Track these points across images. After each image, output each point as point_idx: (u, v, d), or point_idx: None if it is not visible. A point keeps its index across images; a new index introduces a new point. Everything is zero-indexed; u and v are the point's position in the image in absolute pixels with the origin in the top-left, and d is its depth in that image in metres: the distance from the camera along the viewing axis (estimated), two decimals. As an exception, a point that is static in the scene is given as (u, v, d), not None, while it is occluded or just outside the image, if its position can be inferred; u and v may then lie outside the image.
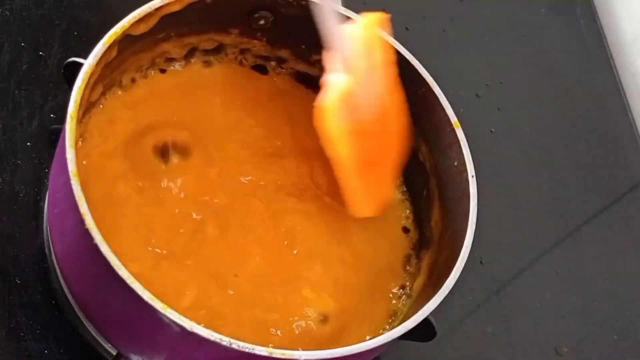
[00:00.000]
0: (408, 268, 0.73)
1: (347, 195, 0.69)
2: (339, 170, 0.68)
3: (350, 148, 0.67)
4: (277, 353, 0.55)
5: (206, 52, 0.75)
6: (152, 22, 0.66)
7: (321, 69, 0.76)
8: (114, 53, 0.64)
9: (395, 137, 0.70)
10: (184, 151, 0.70)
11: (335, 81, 0.66)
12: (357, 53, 0.66)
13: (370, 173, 0.69)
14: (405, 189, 0.76)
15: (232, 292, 0.66)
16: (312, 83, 0.78)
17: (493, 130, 0.94)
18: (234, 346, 0.54)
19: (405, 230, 0.74)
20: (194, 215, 0.68)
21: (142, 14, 0.64)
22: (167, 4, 0.65)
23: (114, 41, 0.63)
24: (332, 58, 0.66)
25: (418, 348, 0.73)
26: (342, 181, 0.69)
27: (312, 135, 0.68)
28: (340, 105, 0.65)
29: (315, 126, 0.66)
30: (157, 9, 0.65)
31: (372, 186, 0.69)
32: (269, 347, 0.55)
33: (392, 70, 0.68)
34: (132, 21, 0.63)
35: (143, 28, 0.66)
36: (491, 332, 0.82)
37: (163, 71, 0.73)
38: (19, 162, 0.73)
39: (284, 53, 0.76)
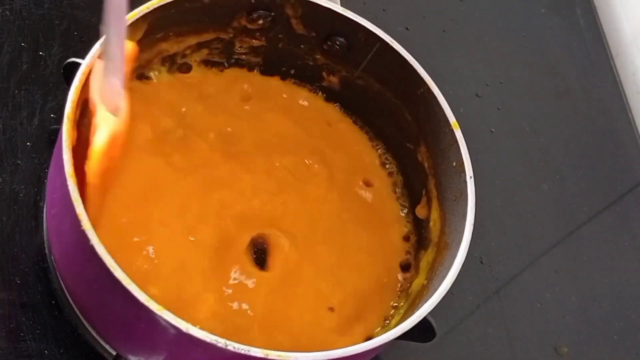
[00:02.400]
0: (407, 268, 0.73)
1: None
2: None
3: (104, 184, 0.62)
4: (272, 354, 0.55)
5: (208, 52, 0.75)
6: (143, 27, 0.66)
7: (321, 70, 0.77)
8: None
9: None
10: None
11: (105, 122, 0.60)
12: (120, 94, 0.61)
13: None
14: (404, 189, 0.76)
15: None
16: (312, 83, 0.78)
17: (493, 130, 0.93)
18: (229, 347, 0.54)
19: (404, 230, 0.75)
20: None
21: (132, 19, 0.64)
22: (152, 11, 0.65)
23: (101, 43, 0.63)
24: (106, 91, 0.61)
25: (418, 348, 0.73)
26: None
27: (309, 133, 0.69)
28: (107, 146, 0.60)
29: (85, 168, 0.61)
30: (143, 16, 0.65)
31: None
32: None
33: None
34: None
35: (140, 29, 0.66)
36: (491, 332, 0.82)
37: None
38: (19, 162, 0.73)
39: (283, 53, 0.77)
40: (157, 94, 0.73)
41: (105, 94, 0.60)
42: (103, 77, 0.60)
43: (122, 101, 0.60)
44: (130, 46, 0.62)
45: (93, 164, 0.59)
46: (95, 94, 0.60)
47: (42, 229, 0.71)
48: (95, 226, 0.56)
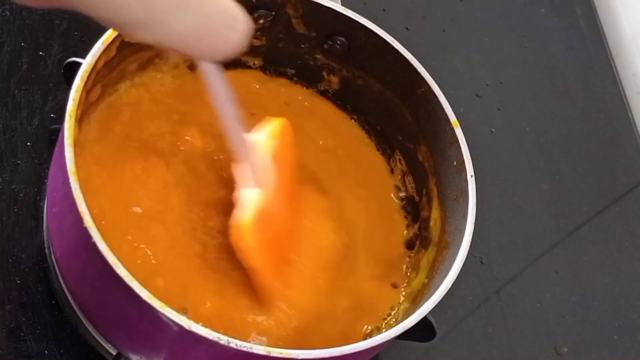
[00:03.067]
0: (407, 268, 0.73)
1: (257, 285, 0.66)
2: (252, 274, 0.65)
3: (265, 256, 0.65)
4: (275, 352, 0.55)
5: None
6: None
7: (322, 69, 0.77)
8: (113, 52, 0.64)
9: (294, 226, 0.69)
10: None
11: (249, 197, 0.63)
12: (265, 164, 0.64)
13: (272, 256, 0.67)
14: (404, 188, 0.76)
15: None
16: (312, 83, 0.78)
17: (493, 130, 0.94)
18: (231, 345, 0.54)
19: (405, 230, 0.75)
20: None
21: None
22: None
23: (112, 40, 0.63)
24: (241, 171, 0.64)
25: (418, 348, 0.73)
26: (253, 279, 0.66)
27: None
28: (255, 221, 0.62)
29: (232, 243, 0.63)
30: None
31: (273, 267, 0.67)
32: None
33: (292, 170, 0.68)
34: None
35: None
36: (491, 332, 0.82)
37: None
38: (19, 162, 0.73)
39: (283, 53, 0.77)
40: (159, 94, 0.73)
41: (243, 173, 0.63)
42: (237, 159, 0.63)
43: (266, 176, 0.63)
44: (278, 123, 0.66)
45: (245, 240, 0.62)
46: (235, 172, 0.64)
47: (42, 228, 0.71)
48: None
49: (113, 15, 0.42)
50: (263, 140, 0.65)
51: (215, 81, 0.56)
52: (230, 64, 0.76)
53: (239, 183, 0.64)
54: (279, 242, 0.66)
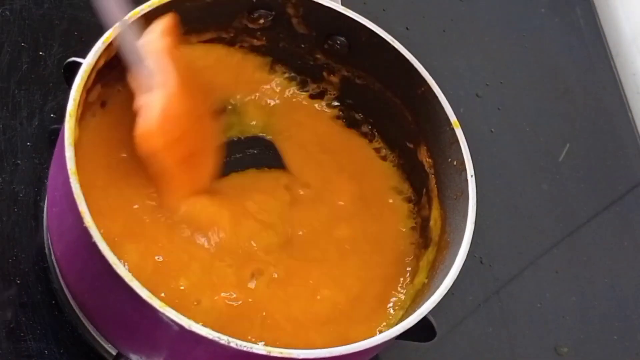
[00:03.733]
0: (407, 268, 0.73)
1: (162, 187, 0.67)
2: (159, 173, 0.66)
3: (173, 156, 0.65)
4: (275, 352, 0.55)
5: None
6: (144, 26, 0.66)
7: (322, 69, 0.77)
8: (113, 52, 0.64)
9: (205, 119, 0.69)
10: None
11: (148, 102, 0.63)
12: (160, 65, 0.64)
13: (189, 164, 0.67)
14: (404, 188, 0.76)
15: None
16: (313, 82, 0.78)
17: (493, 130, 0.94)
18: (232, 344, 0.54)
19: (405, 229, 0.75)
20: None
21: (133, 17, 0.64)
22: (153, 10, 0.65)
23: (112, 40, 0.63)
24: (138, 78, 0.64)
25: (418, 348, 0.73)
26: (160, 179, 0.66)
27: None
28: (160, 124, 0.63)
29: (139, 153, 0.64)
30: (144, 14, 0.65)
31: (189, 175, 0.67)
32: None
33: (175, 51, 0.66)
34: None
35: (141, 28, 0.66)
36: (491, 332, 0.82)
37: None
38: (19, 162, 0.73)
39: (283, 53, 0.77)
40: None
41: (140, 80, 0.63)
42: (131, 68, 0.63)
43: (164, 76, 0.63)
44: (165, 20, 0.65)
45: (151, 142, 0.62)
46: (131, 82, 0.63)
47: (42, 228, 0.71)
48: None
49: None
50: (154, 41, 0.64)
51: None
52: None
53: (137, 91, 0.64)
54: (189, 141, 0.66)
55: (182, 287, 0.64)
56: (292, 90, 0.77)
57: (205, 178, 0.69)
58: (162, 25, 0.65)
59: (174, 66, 0.64)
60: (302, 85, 0.78)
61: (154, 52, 0.64)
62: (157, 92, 0.63)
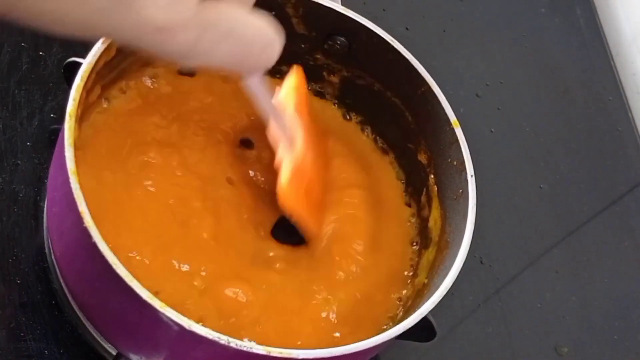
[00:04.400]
0: (407, 267, 0.73)
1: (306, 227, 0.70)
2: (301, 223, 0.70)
3: (306, 204, 0.69)
4: (275, 352, 0.55)
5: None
6: None
7: (322, 69, 0.77)
8: (113, 52, 0.64)
9: (324, 163, 0.73)
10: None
11: (286, 158, 0.67)
12: (293, 122, 0.67)
13: (311, 201, 0.70)
14: (404, 188, 0.76)
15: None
16: (313, 82, 0.78)
17: (493, 130, 0.94)
18: (232, 344, 0.54)
19: (404, 229, 0.75)
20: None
21: None
22: None
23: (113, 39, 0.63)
24: (275, 134, 0.67)
25: (418, 348, 0.73)
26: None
27: None
28: (294, 179, 0.67)
29: (280, 205, 0.67)
30: None
31: (314, 211, 0.71)
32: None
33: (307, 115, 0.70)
34: None
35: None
36: (491, 332, 0.82)
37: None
38: (19, 162, 0.73)
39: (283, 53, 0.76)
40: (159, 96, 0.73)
41: (276, 135, 0.67)
42: (270, 122, 0.66)
43: (294, 133, 0.67)
44: (295, 76, 0.69)
45: (287, 197, 0.66)
46: (270, 136, 0.67)
47: (42, 228, 0.71)
48: None
49: (159, 51, 0.45)
50: (285, 97, 0.68)
51: (254, 82, 0.60)
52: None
53: (276, 147, 0.67)
54: (315, 188, 0.70)
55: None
56: None
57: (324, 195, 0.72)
58: (293, 81, 0.69)
59: (303, 120, 0.68)
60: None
61: (288, 108, 0.68)
62: (289, 151, 0.67)
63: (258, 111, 0.64)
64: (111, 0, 0.42)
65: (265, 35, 0.49)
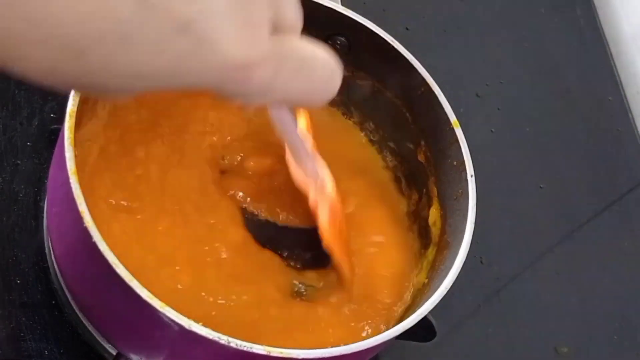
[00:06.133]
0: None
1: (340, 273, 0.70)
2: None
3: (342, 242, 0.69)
4: (275, 352, 0.55)
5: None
6: None
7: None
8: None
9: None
10: None
11: (322, 201, 0.67)
12: (318, 160, 0.67)
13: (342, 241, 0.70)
14: (404, 188, 0.76)
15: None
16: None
17: (493, 130, 0.94)
18: (232, 344, 0.54)
19: (404, 229, 0.75)
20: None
21: None
22: None
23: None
24: (309, 181, 0.67)
25: (418, 348, 0.73)
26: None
27: None
28: (331, 219, 0.67)
29: (325, 247, 0.67)
30: None
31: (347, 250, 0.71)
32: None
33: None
34: None
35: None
36: (491, 332, 0.82)
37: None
38: (19, 162, 0.73)
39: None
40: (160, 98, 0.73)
41: (305, 178, 0.67)
42: (296, 165, 0.67)
43: (322, 173, 0.67)
44: (304, 117, 0.69)
45: (329, 239, 0.66)
46: (300, 181, 0.68)
47: (42, 228, 0.71)
48: None
49: (239, 92, 0.44)
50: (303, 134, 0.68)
51: (282, 114, 0.59)
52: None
53: (303, 184, 0.67)
54: (343, 228, 0.70)
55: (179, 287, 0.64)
56: None
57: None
58: (304, 122, 0.69)
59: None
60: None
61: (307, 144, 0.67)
62: (326, 195, 0.67)
63: (282, 140, 0.64)
64: (193, 43, 0.39)
65: (329, 64, 0.49)
